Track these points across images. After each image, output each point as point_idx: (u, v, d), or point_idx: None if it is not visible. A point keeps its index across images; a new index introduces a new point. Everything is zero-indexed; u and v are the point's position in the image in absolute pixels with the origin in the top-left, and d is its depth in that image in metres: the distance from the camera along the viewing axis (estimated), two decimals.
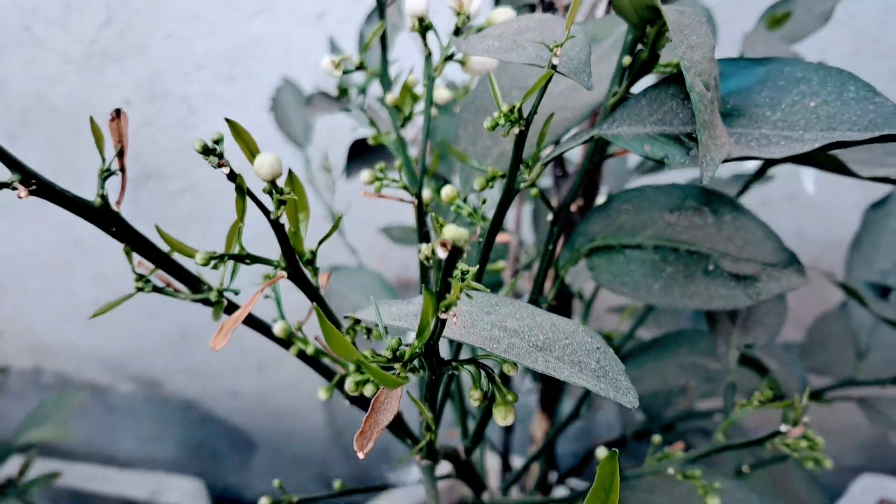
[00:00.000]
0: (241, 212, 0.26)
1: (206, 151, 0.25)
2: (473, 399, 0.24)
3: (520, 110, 0.26)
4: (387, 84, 0.40)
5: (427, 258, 0.17)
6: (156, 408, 1.63)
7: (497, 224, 0.30)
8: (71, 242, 1.42)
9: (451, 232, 0.16)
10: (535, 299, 0.36)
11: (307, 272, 0.28)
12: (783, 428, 0.34)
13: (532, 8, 0.48)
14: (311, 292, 0.29)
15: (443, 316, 0.18)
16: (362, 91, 0.67)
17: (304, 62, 1.19)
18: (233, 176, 0.25)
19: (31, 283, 1.48)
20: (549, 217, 0.34)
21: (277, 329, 0.30)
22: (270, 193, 0.25)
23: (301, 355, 0.31)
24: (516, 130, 0.26)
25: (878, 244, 0.65)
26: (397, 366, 0.21)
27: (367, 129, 0.54)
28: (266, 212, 0.26)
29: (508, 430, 0.94)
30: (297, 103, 0.93)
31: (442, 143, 0.32)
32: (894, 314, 0.55)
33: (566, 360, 0.22)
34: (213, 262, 0.27)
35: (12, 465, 0.88)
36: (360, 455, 0.21)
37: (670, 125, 0.26)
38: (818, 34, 0.65)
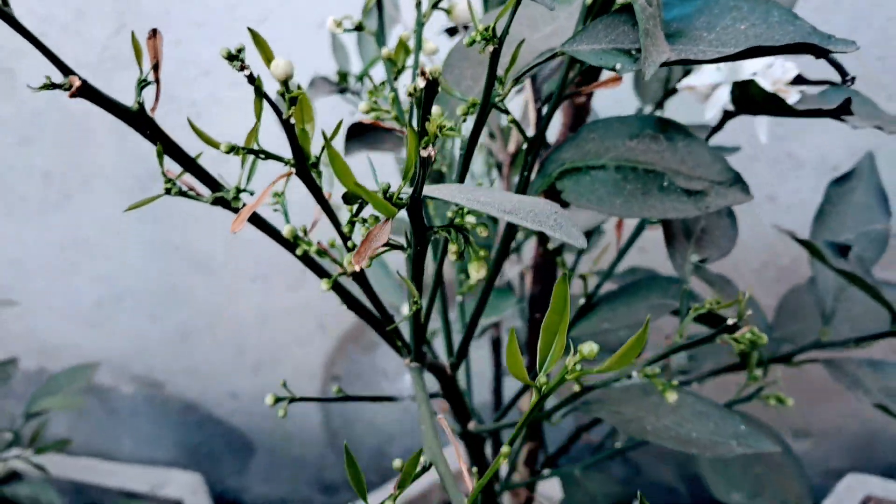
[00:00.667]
0: (259, 112, 0.31)
1: (231, 58, 0.29)
2: (451, 253, 0.29)
3: (493, 29, 0.31)
4: (381, 41, 0.45)
5: (411, 93, 0.22)
6: (156, 409, 1.66)
7: (475, 137, 0.34)
8: (75, 244, 1.46)
9: (431, 67, 0.21)
10: (505, 248, 0.41)
11: (314, 174, 0.33)
12: (730, 321, 0.38)
13: None
14: (316, 189, 0.33)
15: (423, 153, 0.23)
16: (360, 79, 0.72)
17: (305, 67, 1.24)
18: (252, 78, 0.29)
19: (36, 285, 1.52)
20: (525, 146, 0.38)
21: (286, 231, 0.34)
22: (283, 95, 0.30)
23: (304, 257, 0.35)
24: (490, 48, 0.31)
25: (844, 216, 0.70)
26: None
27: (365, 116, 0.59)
28: (279, 112, 0.30)
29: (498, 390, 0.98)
30: None
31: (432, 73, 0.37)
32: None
33: (529, 219, 0.26)
34: (232, 155, 0.31)
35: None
36: (357, 267, 0.25)
37: (622, 43, 0.30)
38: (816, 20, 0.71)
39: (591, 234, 0.65)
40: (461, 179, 0.36)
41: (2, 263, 1.50)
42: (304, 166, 0.32)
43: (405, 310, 0.75)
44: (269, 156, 0.32)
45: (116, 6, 1.22)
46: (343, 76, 0.72)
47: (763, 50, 0.29)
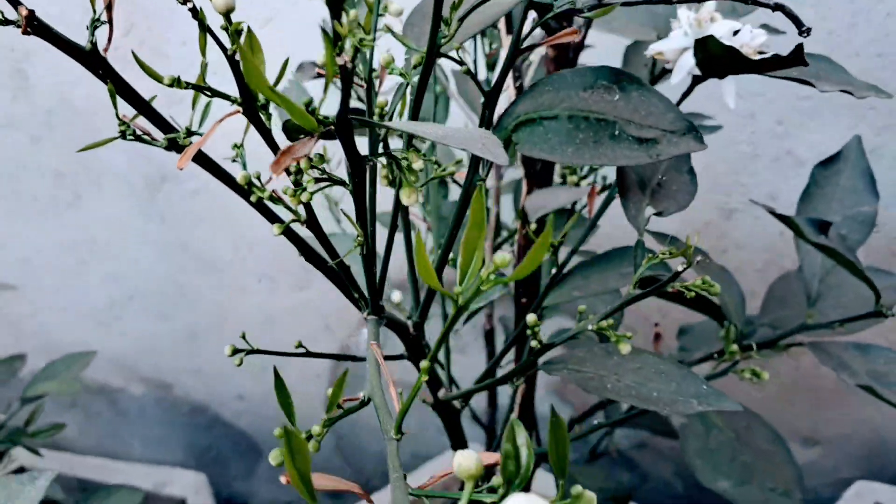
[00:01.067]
0: (203, 46, 0.32)
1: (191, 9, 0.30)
2: (382, 177, 0.29)
3: None
4: (351, 4, 0.45)
5: None
6: (165, 411, 1.67)
7: (425, 79, 0.35)
8: (85, 244, 1.48)
9: None
10: (471, 178, 0.41)
11: (262, 116, 0.33)
12: (679, 267, 0.38)
13: None
14: (263, 129, 0.34)
15: (339, 60, 0.23)
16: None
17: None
18: (195, 12, 0.30)
19: (47, 283, 1.54)
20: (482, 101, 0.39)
21: (240, 178, 0.35)
22: (226, 29, 0.31)
23: (258, 204, 0.36)
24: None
25: (830, 199, 0.69)
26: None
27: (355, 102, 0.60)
28: (223, 48, 0.31)
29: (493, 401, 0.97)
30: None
31: (386, 27, 0.37)
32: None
33: (459, 141, 0.27)
34: (178, 87, 0.32)
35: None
36: (275, 175, 0.26)
37: None
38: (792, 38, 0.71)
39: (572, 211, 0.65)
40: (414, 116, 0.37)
41: (13, 262, 1.51)
42: (250, 105, 0.32)
43: (395, 297, 0.76)
44: (214, 93, 0.33)
45: (126, 7, 1.24)
46: None
47: None
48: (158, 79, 0.32)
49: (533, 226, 0.64)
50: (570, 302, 0.52)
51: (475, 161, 0.40)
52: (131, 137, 0.36)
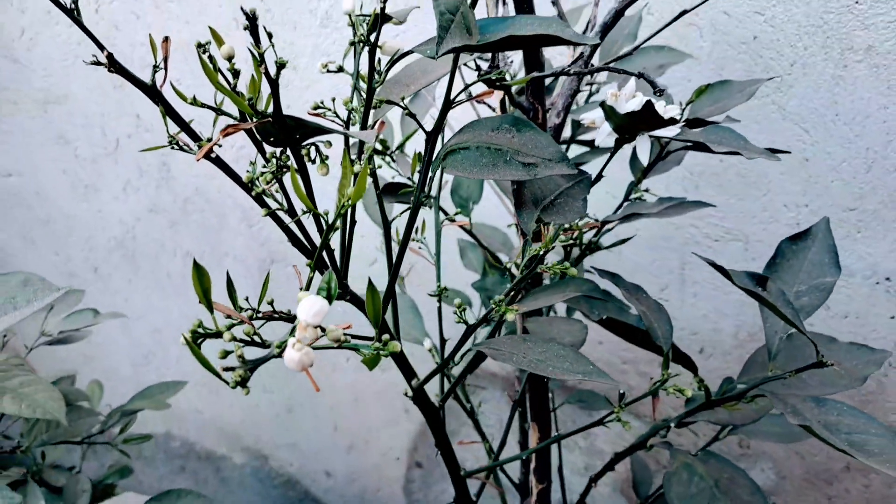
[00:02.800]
0: (214, 79, 0.48)
1: (199, 46, 0.47)
2: (321, 170, 0.45)
3: (369, 40, 0.48)
4: (355, 79, 0.62)
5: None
6: (261, 481, 1.83)
7: (367, 113, 0.50)
8: (208, 317, 1.69)
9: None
10: (418, 197, 0.56)
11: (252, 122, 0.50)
12: (541, 252, 0.51)
13: None
14: (251, 134, 0.50)
15: (260, 70, 0.39)
16: (399, 148, 0.89)
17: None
18: (211, 58, 0.47)
19: (172, 353, 1.76)
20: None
21: (245, 177, 0.51)
22: (231, 71, 0.47)
23: (258, 198, 0.52)
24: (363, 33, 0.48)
25: (798, 270, 0.79)
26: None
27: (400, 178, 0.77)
28: (228, 82, 0.48)
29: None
30: None
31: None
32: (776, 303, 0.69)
33: (356, 134, 0.42)
34: (195, 105, 0.49)
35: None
36: (197, 159, 0.41)
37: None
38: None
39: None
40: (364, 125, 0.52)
41: (147, 332, 1.75)
42: (258, 113, 0.48)
43: (427, 344, 0.90)
44: (221, 112, 0.49)
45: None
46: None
47: (515, 39, 0.44)
48: (184, 98, 0.49)
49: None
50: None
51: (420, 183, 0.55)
52: (176, 147, 0.52)
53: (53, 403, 0.72)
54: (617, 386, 0.54)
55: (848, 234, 1.23)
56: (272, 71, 0.43)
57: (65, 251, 1.71)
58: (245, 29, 0.40)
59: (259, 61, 0.39)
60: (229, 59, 0.47)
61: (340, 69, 0.62)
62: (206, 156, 0.50)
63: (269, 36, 0.41)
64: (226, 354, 0.41)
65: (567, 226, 0.58)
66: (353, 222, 0.55)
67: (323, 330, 0.39)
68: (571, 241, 0.53)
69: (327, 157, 0.46)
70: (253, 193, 0.52)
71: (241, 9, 0.36)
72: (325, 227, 0.44)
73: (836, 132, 1.17)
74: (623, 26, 1.00)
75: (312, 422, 1.71)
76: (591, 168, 0.80)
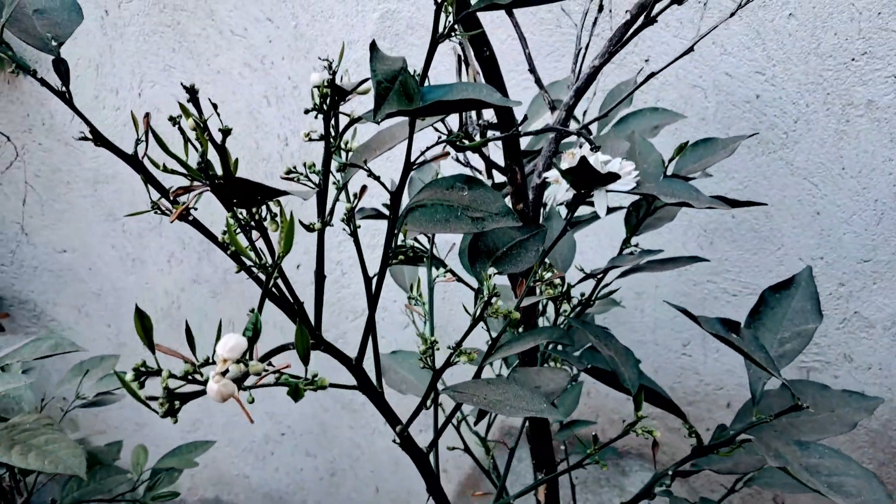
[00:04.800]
0: (186, 149, 0.54)
1: (170, 119, 0.54)
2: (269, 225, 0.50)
3: (323, 103, 0.53)
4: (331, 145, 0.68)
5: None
6: None
7: (325, 175, 0.56)
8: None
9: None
10: (386, 253, 0.60)
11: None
12: (493, 301, 0.55)
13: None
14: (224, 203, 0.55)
15: (205, 137, 0.44)
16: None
17: None
18: (181, 129, 0.53)
19: (219, 421, 1.82)
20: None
21: (220, 237, 0.57)
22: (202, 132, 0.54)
23: (233, 255, 0.57)
24: (326, 96, 0.53)
25: (782, 318, 0.82)
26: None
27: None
28: (196, 148, 0.54)
29: None
30: None
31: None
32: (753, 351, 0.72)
33: (296, 192, 0.47)
34: (166, 171, 0.55)
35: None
36: (171, 220, 0.47)
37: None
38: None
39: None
40: (321, 199, 0.57)
41: (196, 400, 1.81)
42: (208, 176, 0.54)
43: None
44: (194, 174, 0.55)
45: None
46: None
47: (442, 104, 0.49)
48: (157, 165, 0.55)
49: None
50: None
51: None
52: (158, 212, 0.58)
53: (75, 460, 0.78)
54: (562, 417, 0.57)
55: (864, 285, 1.23)
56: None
57: (116, 323, 1.80)
58: (189, 103, 0.46)
59: (202, 129, 0.45)
60: (194, 129, 0.53)
61: (322, 137, 0.68)
62: (183, 218, 0.56)
63: (215, 107, 0.47)
64: (168, 390, 0.46)
65: (541, 277, 0.62)
66: (323, 277, 0.60)
67: (246, 364, 0.43)
68: (557, 295, 0.57)
69: (276, 215, 0.52)
70: (228, 252, 0.58)
71: (181, 83, 0.42)
72: (267, 277, 0.48)
73: (845, 185, 1.19)
74: (621, 90, 1.05)
75: (354, 484, 1.74)
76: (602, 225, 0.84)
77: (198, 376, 0.45)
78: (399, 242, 0.61)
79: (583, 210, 1.00)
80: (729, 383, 1.41)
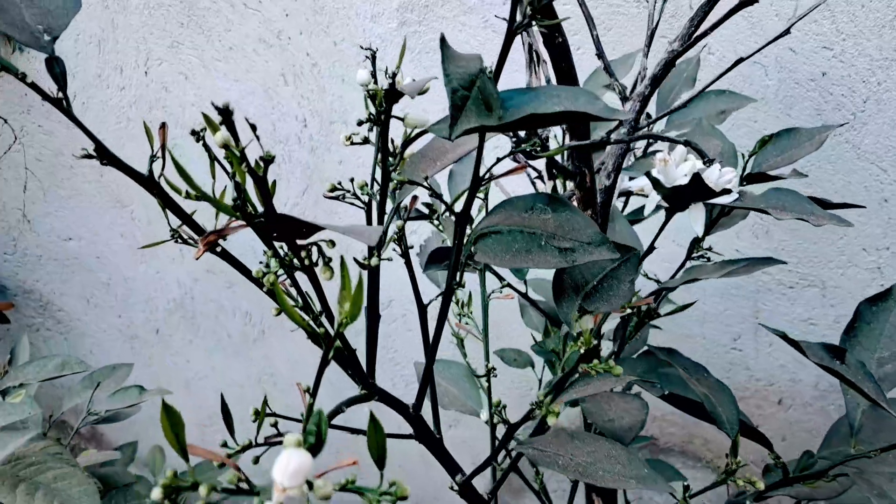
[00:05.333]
0: (213, 170, 0.45)
1: (193, 133, 0.44)
2: (300, 259, 0.40)
3: (380, 114, 0.43)
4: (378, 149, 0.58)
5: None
6: None
7: (383, 198, 0.46)
8: (269, 378, 1.67)
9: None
10: (450, 284, 0.51)
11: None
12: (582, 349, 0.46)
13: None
14: (255, 229, 0.46)
15: (243, 167, 0.35)
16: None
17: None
18: (206, 147, 0.43)
19: (236, 414, 1.73)
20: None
21: (255, 272, 0.47)
22: (228, 158, 0.44)
23: (269, 292, 0.48)
24: (375, 130, 0.43)
25: (879, 335, 0.72)
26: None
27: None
28: (227, 171, 0.44)
29: None
30: None
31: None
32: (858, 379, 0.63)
33: (355, 233, 0.38)
34: (189, 199, 0.45)
35: None
36: (197, 256, 0.37)
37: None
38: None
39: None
40: (379, 222, 0.48)
41: (210, 392, 1.73)
42: (245, 215, 0.45)
43: (484, 416, 0.84)
44: (222, 206, 0.46)
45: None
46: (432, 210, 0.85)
47: (537, 118, 0.39)
48: (178, 192, 0.46)
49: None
50: (567, 404, 0.60)
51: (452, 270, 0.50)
52: (180, 241, 0.49)
53: (87, 499, 0.69)
54: (673, 489, 0.48)
55: None
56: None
57: (126, 313, 1.71)
58: (221, 122, 0.36)
59: (240, 158, 0.35)
60: (225, 147, 0.43)
61: (366, 141, 0.58)
62: (211, 249, 0.46)
63: (254, 128, 0.37)
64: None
65: (628, 304, 0.52)
66: (377, 317, 0.51)
67: (310, 485, 0.34)
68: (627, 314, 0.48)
69: (330, 259, 0.42)
70: (264, 290, 0.48)
71: (212, 103, 0.32)
72: (330, 338, 0.39)
73: None
74: (681, 70, 0.94)
75: (377, 481, 1.66)
76: (649, 226, 0.74)
77: (244, 485, 0.35)
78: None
79: (635, 202, 0.91)
80: (781, 379, 1.32)
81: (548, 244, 0.46)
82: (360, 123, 0.51)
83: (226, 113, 0.33)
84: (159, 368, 1.74)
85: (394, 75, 0.43)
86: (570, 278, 0.51)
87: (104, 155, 0.45)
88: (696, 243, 0.79)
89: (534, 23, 0.45)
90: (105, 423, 0.94)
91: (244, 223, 0.38)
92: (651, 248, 0.63)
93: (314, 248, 0.41)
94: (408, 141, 0.46)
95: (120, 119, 1.50)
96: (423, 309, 0.57)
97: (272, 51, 1.34)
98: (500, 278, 0.78)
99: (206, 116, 0.44)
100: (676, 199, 0.51)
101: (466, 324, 0.75)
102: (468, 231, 0.51)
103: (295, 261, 0.43)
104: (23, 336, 1.14)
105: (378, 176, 0.51)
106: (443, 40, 0.43)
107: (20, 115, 1.58)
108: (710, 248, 0.78)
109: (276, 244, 0.44)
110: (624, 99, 0.69)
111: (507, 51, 0.46)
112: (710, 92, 0.91)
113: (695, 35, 0.68)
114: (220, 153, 0.45)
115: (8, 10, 0.48)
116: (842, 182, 1.12)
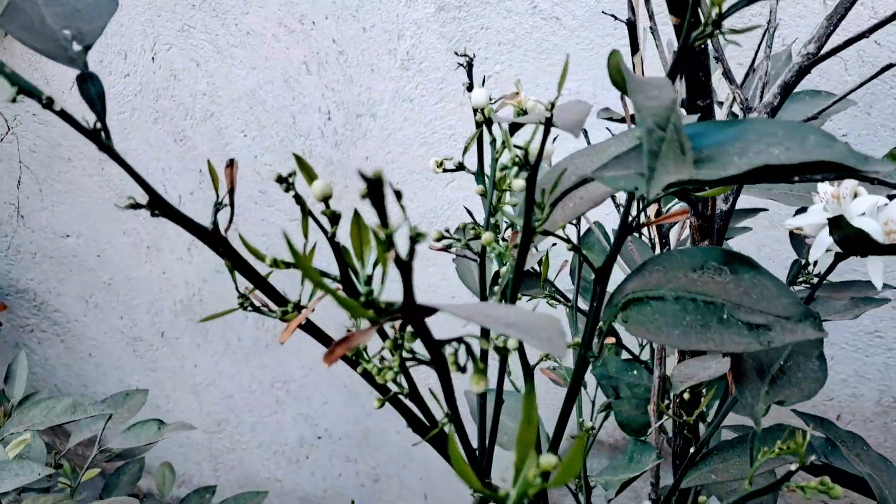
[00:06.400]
0: (306, 229, 0.34)
1: (280, 180, 0.33)
2: (450, 364, 0.30)
3: (526, 154, 0.33)
4: (479, 180, 0.47)
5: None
6: None
7: (522, 258, 0.35)
8: (282, 384, 1.56)
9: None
10: (583, 354, 0.41)
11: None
12: (792, 466, 0.35)
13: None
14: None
15: (390, 255, 0.24)
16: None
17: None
18: (298, 198, 0.33)
19: (247, 420, 1.63)
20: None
21: (359, 368, 0.37)
22: (326, 214, 0.33)
23: (364, 373, 0.37)
24: (525, 174, 0.32)
25: None
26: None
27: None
28: (323, 229, 0.33)
29: None
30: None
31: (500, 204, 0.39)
32: None
33: (523, 331, 0.27)
34: (276, 268, 0.34)
35: None
36: (327, 364, 0.27)
37: (644, 169, 0.31)
38: None
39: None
40: (512, 299, 0.37)
41: (219, 399, 1.62)
42: (348, 282, 0.34)
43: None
44: (311, 271, 0.35)
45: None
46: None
47: (773, 169, 0.29)
48: (262, 258, 0.35)
49: (686, 395, 0.62)
50: (706, 486, 0.49)
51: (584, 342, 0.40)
52: (250, 308, 0.38)
53: None
54: None
55: None
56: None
57: (129, 315, 1.60)
58: (363, 196, 0.25)
59: (386, 244, 0.24)
60: (325, 200, 0.33)
61: (461, 167, 0.47)
62: (300, 326, 0.36)
63: (398, 195, 0.27)
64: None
65: None
66: (501, 402, 0.40)
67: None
68: None
69: (484, 367, 0.31)
70: (358, 371, 0.38)
71: (360, 173, 0.22)
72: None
73: None
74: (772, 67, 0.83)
75: (400, 491, 1.57)
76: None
77: None
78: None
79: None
80: (841, 394, 1.23)
81: (731, 318, 0.36)
82: (503, 169, 0.41)
83: (375, 183, 0.22)
84: (164, 373, 1.63)
85: (552, 105, 0.32)
86: (754, 359, 0.41)
87: (159, 206, 0.34)
88: (801, 269, 0.69)
89: (717, 31, 0.34)
90: (118, 461, 0.83)
91: (375, 325, 0.27)
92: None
93: (460, 345, 0.30)
94: (558, 199, 0.35)
95: (123, 108, 1.38)
96: (529, 370, 0.46)
97: (294, 36, 1.22)
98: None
99: (298, 158, 0.33)
100: (859, 246, 0.40)
101: (552, 369, 0.65)
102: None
103: (420, 354, 0.32)
104: (20, 353, 1.03)
105: (498, 220, 0.40)
106: (612, 57, 0.32)
107: (12, 102, 1.46)
108: (810, 269, 0.68)
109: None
110: (747, 110, 0.59)
111: (677, 70, 0.35)
112: (803, 92, 0.81)
113: (829, 35, 0.57)
114: (309, 200, 0.34)
115: (23, 10, 0.37)
116: None
